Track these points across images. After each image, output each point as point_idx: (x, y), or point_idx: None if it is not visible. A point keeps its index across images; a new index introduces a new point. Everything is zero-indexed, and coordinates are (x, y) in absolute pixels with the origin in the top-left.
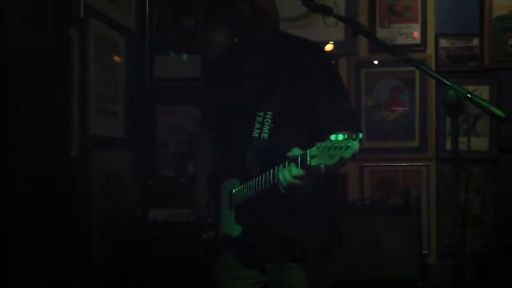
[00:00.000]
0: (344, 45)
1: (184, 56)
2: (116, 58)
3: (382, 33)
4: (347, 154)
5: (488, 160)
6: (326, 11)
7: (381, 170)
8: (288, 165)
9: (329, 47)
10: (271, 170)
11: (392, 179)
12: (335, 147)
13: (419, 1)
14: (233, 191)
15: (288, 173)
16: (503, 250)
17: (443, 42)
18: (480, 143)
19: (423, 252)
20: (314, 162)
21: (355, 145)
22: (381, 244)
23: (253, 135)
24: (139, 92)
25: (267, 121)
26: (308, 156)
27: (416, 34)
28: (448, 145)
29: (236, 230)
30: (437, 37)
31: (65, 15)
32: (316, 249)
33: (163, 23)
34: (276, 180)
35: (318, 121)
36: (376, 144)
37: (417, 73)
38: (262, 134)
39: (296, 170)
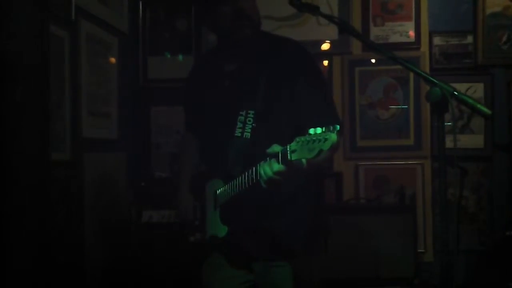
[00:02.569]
0: (338, 44)
1: (180, 57)
2: (110, 60)
3: (375, 31)
4: (326, 146)
5: (483, 157)
6: (312, 9)
7: (376, 168)
8: (269, 160)
9: (325, 46)
10: (253, 168)
11: (387, 177)
12: (314, 140)
13: None
14: (217, 191)
15: (269, 168)
16: (498, 247)
17: (437, 40)
18: (476, 140)
19: (419, 250)
20: (294, 156)
21: (333, 137)
22: (377, 243)
23: (235, 134)
24: (133, 93)
25: (249, 120)
26: (288, 151)
27: (411, 32)
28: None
29: (222, 230)
30: (431, 34)
31: (43, 15)
32: (301, 247)
33: (156, 24)
34: (258, 177)
35: (299, 118)
36: (371, 142)
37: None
38: (245, 133)
39: (277, 166)
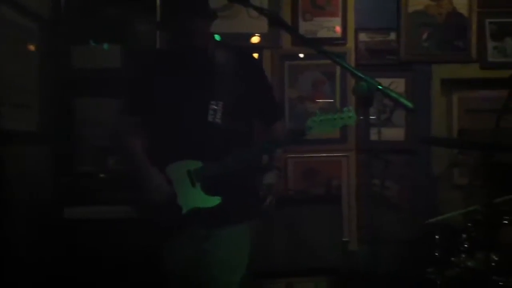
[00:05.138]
0: (267, 38)
1: (105, 46)
2: (29, 47)
3: (305, 26)
4: (351, 122)
5: (405, 150)
6: (243, 1)
7: (305, 161)
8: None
9: (255, 39)
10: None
11: (315, 170)
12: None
13: None
14: (196, 168)
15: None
16: (419, 236)
17: (363, 36)
18: (397, 133)
19: (344, 239)
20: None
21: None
22: (305, 233)
23: (208, 120)
24: (55, 84)
25: (219, 109)
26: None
27: (337, 28)
28: (370, 135)
29: (213, 201)
30: (357, 31)
31: None
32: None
33: (82, 11)
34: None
35: (257, 109)
36: None
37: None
38: (216, 119)
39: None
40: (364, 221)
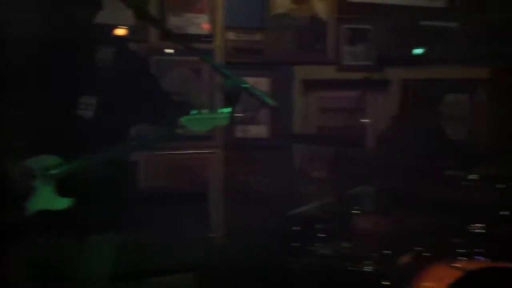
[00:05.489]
0: (134, 31)
1: None
2: None
3: (173, 21)
4: (224, 122)
5: (268, 146)
6: None
7: (171, 158)
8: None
9: (120, 32)
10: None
11: (182, 167)
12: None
13: None
14: (51, 165)
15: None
16: (282, 228)
17: (231, 35)
18: (261, 130)
19: (212, 235)
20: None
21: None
22: (172, 231)
23: (77, 114)
24: None
25: (92, 104)
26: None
27: (206, 25)
28: (236, 133)
29: (62, 203)
30: (225, 29)
31: None
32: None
33: None
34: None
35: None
36: None
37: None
38: (87, 114)
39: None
40: (230, 216)
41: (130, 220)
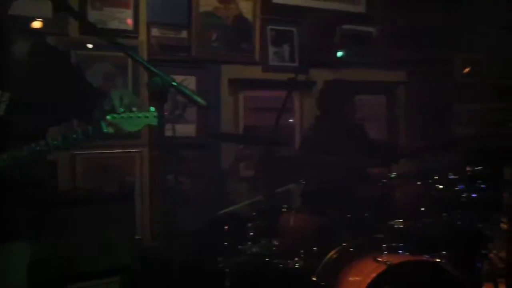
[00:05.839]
0: (52, 23)
1: None
2: None
3: (94, 15)
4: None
5: (196, 145)
6: None
7: (94, 157)
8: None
9: (37, 24)
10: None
11: (106, 166)
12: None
13: None
14: None
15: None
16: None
17: (155, 31)
18: (189, 129)
19: (137, 237)
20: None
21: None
22: (97, 234)
23: None
24: None
25: (5, 100)
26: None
27: (129, 20)
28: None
29: None
30: (149, 25)
31: None
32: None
33: None
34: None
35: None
36: None
37: (130, 59)
38: None
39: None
40: (157, 217)
41: (49, 224)
